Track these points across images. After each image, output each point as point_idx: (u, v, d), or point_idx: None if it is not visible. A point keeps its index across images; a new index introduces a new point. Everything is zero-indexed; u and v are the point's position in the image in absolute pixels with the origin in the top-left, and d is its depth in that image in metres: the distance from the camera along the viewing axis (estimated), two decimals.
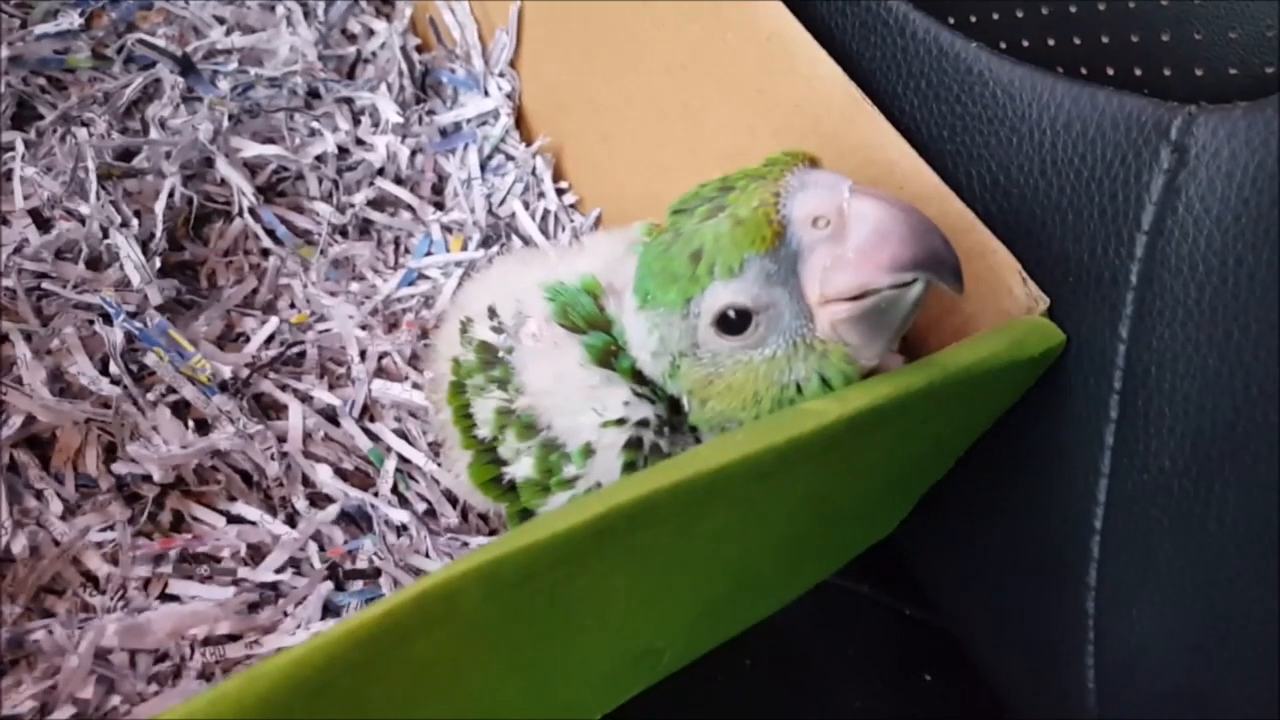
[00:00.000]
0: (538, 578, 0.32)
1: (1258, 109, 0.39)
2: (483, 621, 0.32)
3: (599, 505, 0.32)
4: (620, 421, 0.45)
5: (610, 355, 0.46)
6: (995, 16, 0.48)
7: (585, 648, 0.39)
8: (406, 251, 0.68)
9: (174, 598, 0.49)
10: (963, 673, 0.65)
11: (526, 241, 0.68)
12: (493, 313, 0.50)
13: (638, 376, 0.45)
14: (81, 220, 0.58)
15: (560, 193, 0.70)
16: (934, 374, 0.40)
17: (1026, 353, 0.44)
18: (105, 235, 0.57)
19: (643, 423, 0.45)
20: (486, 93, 0.72)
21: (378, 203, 0.68)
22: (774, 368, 0.41)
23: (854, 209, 0.38)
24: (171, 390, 0.54)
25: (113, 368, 0.53)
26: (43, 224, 0.58)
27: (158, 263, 0.58)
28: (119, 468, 0.51)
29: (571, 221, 0.69)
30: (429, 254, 0.67)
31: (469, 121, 0.71)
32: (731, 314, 0.40)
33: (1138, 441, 0.43)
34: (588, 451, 0.45)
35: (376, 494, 0.56)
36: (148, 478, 0.52)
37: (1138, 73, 0.43)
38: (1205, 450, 0.40)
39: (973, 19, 0.49)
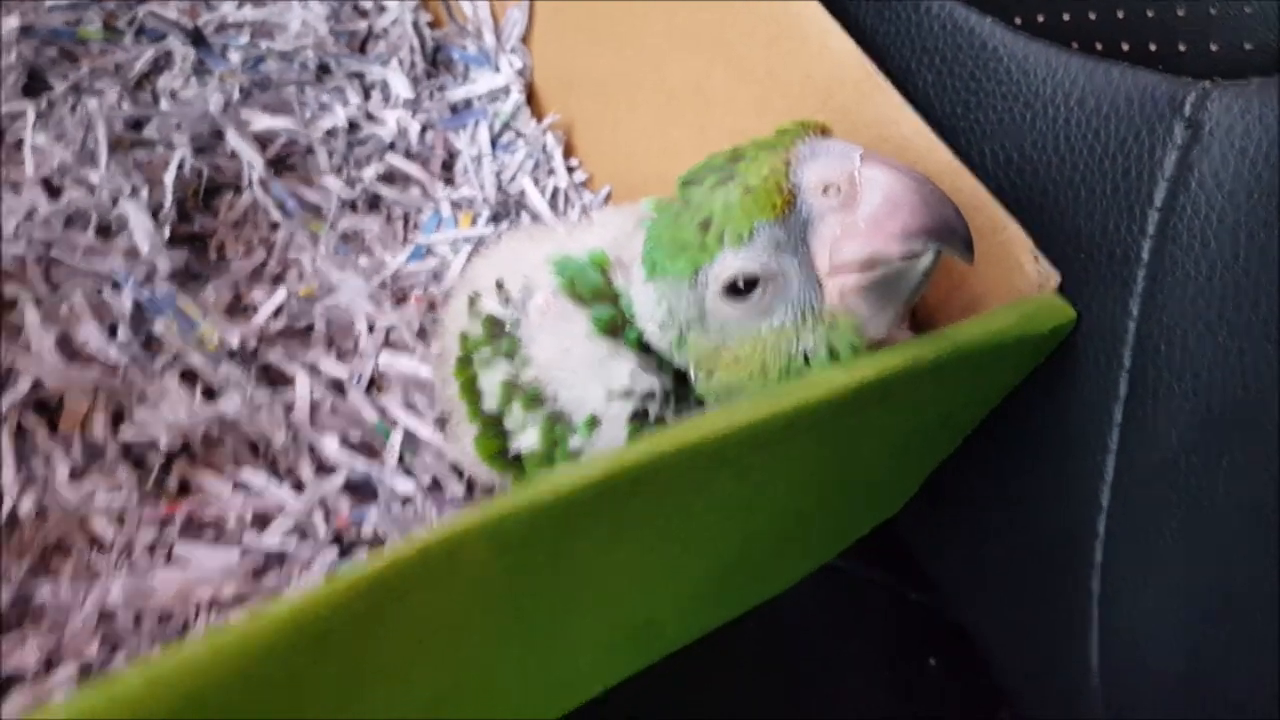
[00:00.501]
0: (540, 538, 0.32)
1: (1272, 84, 0.39)
2: (484, 580, 0.32)
3: (603, 466, 0.32)
4: (626, 393, 0.45)
5: (617, 327, 0.46)
6: None
7: (586, 615, 0.39)
8: (415, 227, 0.68)
9: (180, 561, 0.49)
10: (966, 659, 0.65)
11: (536, 218, 0.68)
12: (500, 286, 0.50)
13: (644, 348, 0.45)
14: (91, 189, 0.58)
15: (570, 170, 0.70)
16: (942, 347, 0.40)
17: (1036, 329, 0.43)
18: (115, 204, 0.58)
19: (649, 394, 0.45)
20: (498, 69, 0.72)
21: (387, 178, 0.68)
22: (782, 338, 0.41)
23: (865, 177, 0.38)
24: (179, 358, 0.54)
25: (121, 334, 0.53)
26: (53, 193, 0.58)
27: (167, 232, 0.58)
28: (126, 433, 0.51)
29: (581, 199, 0.69)
30: (438, 230, 0.67)
31: (480, 98, 0.71)
32: (740, 283, 0.40)
33: (1146, 418, 0.43)
34: (593, 423, 0.45)
35: (383, 465, 0.56)
36: (154, 444, 0.52)
37: (1153, 48, 0.42)
38: (1213, 426, 0.40)
39: None
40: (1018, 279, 0.46)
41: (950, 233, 0.38)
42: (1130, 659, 0.46)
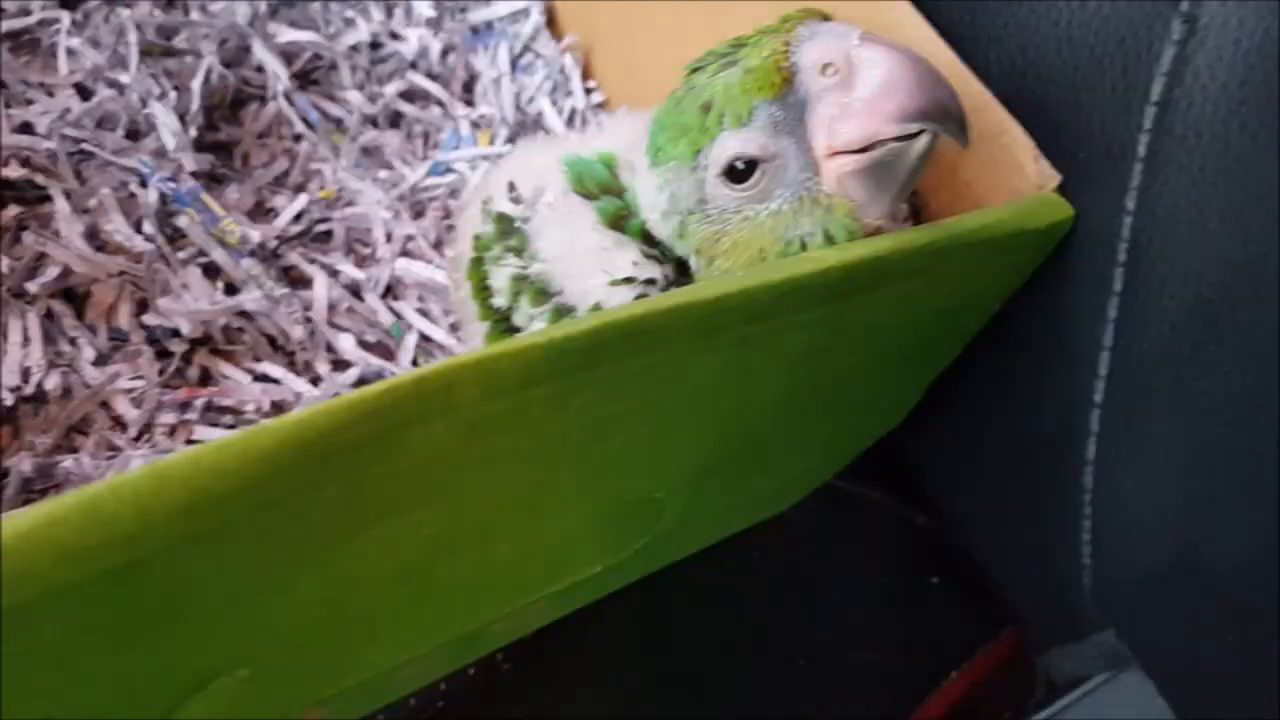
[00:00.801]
0: (534, 386, 0.34)
1: None
2: (480, 422, 0.33)
3: (597, 321, 0.34)
4: (628, 280, 0.46)
5: (621, 219, 0.47)
6: None
7: (581, 477, 0.40)
8: (435, 145, 0.69)
9: (198, 443, 0.51)
10: (969, 579, 0.66)
11: None
12: (512, 187, 0.52)
13: (647, 238, 0.47)
14: (121, 90, 0.60)
15: (588, 92, 0.71)
16: (937, 234, 0.41)
17: (1033, 224, 0.44)
18: (144, 105, 0.59)
19: (650, 282, 0.46)
20: None
21: (408, 95, 0.70)
22: (779, 223, 0.42)
23: (863, 56, 0.39)
24: (202, 253, 0.56)
25: (146, 227, 0.55)
26: (85, 95, 0.60)
27: (193, 134, 0.60)
28: (150, 320, 0.53)
29: (597, 120, 0.70)
30: (457, 148, 0.68)
31: (500, 19, 0.73)
32: (739, 164, 0.41)
33: (1139, 311, 0.44)
34: (597, 310, 0.47)
35: (397, 365, 0.57)
36: (177, 333, 0.54)
37: None
38: (1203, 312, 0.41)
39: None
40: (1019, 181, 0.47)
41: (945, 114, 0.39)
42: (1121, 552, 0.47)
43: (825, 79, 0.39)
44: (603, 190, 0.48)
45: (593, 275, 0.47)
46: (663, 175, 0.44)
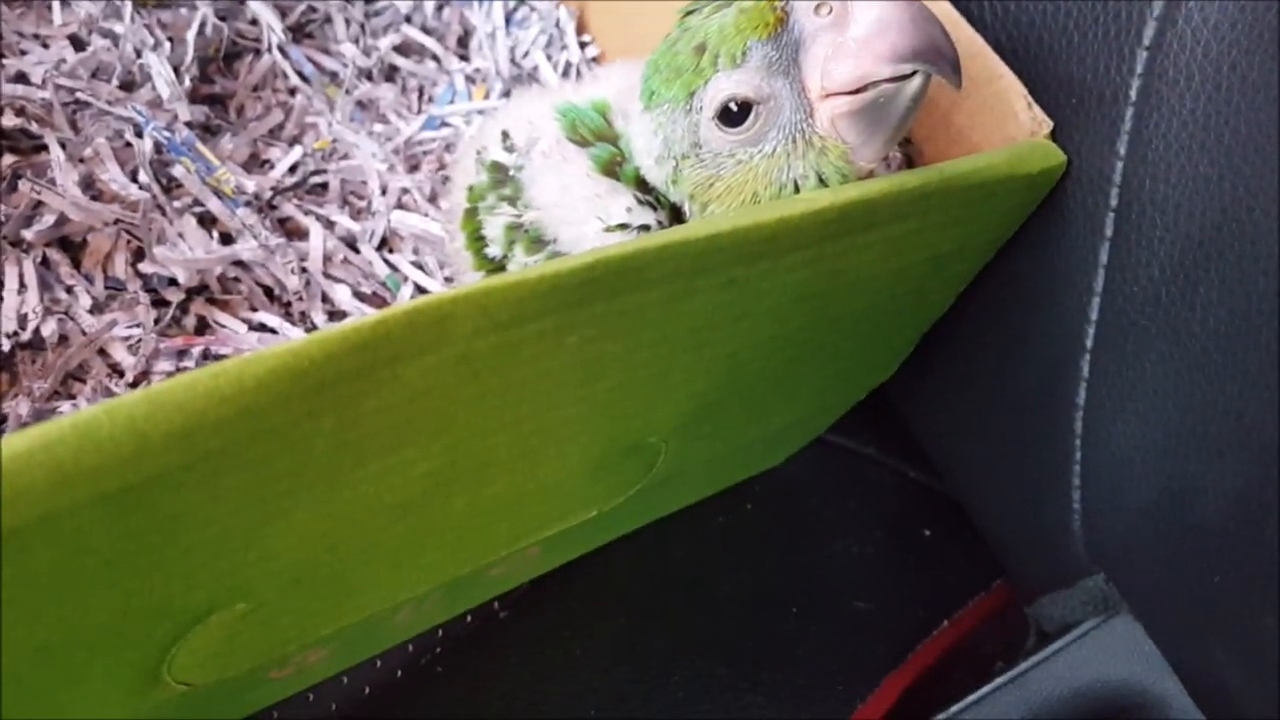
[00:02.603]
0: (527, 322, 0.34)
1: None
2: (473, 357, 0.34)
3: (589, 258, 0.34)
4: (623, 227, 0.46)
5: (615, 165, 0.47)
6: None
7: (575, 418, 0.41)
8: (430, 99, 0.69)
9: None
10: (961, 532, 0.66)
11: None
12: (506, 136, 0.52)
13: (641, 184, 0.47)
14: (116, 40, 0.59)
15: (583, 46, 0.71)
16: (929, 177, 0.41)
17: (1025, 169, 0.44)
18: (139, 56, 0.59)
19: (644, 228, 0.46)
20: None
21: (403, 49, 0.70)
22: (773, 165, 0.42)
23: None
24: (198, 203, 0.56)
25: (142, 176, 0.55)
26: (79, 46, 0.60)
27: (188, 84, 0.60)
28: (146, 268, 0.53)
29: (592, 73, 0.70)
30: (452, 102, 0.68)
31: None
32: (733, 106, 0.41)
33: (1129, 255, 0.44)
34: None
35: None
36: (173, 282, 0.54)
37: None
38: (1193, 254, 0.41)
39: None
40: (1012, 127, 0.47)
41: (937, 54, 0.39)
42: (1110, 496, 0.48)
43: (819, 18, 0.39)
44: (596, 137, 0.48)
45: (587, 222, 0.47)
46: (656, 119, 0.44)
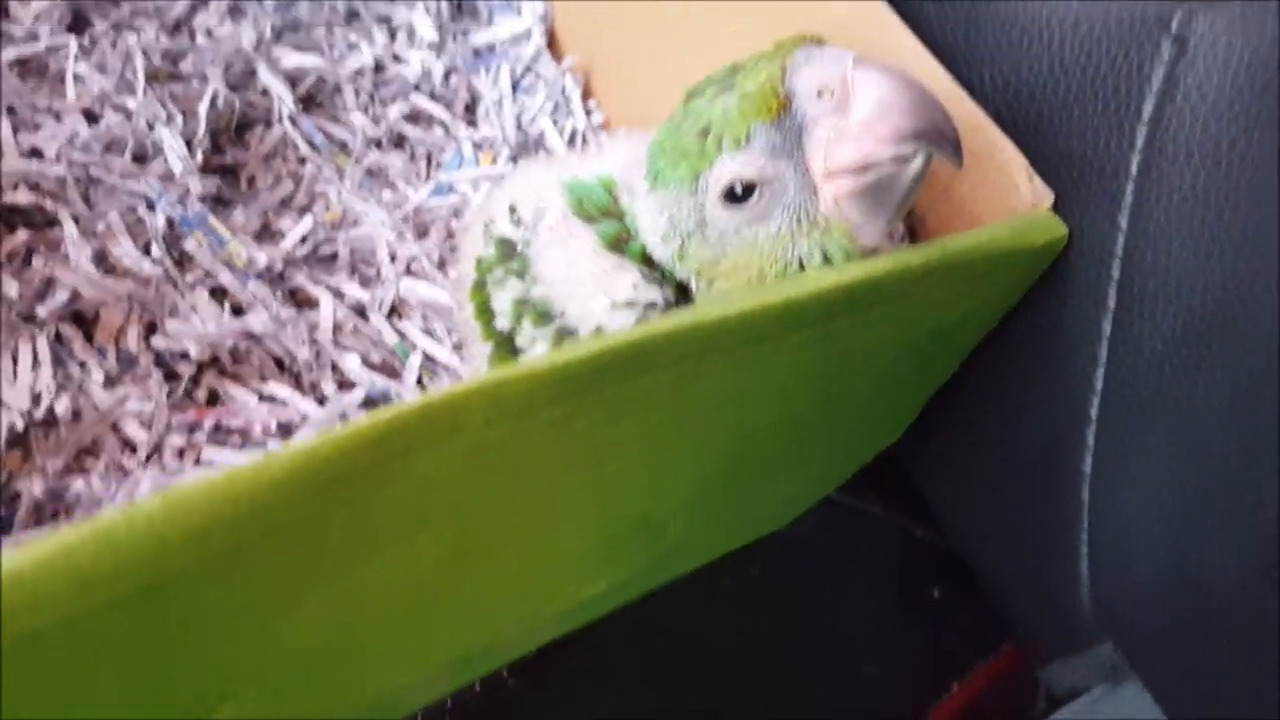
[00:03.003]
0: (537, 410, 0.34)
1: (1254, 2, 0.40)
2: (484, 447, 0.34)
3: (599, 345, 0.34)
4: (629, 304, 0.47)
5: (622, 242, 0.48)
6: None
7: (584, 499, 0.41)
8: (438, 165, 0.70)
9: (207, 465, 0.52)
10: (970, 591, 0.66)
11: None
12: (513, 210, 0.52)
13: (648, 261, 0.47)
14: (128, 115, 0.60)
15: (588, 112, 0.72)
16: (933, 254, 0.41)
17: (1028, 242, 0.45)
18: (151, 130, 0.60)
19: (651, 305, 0.47)
20: (520, 13, 0.74)
21: (412, 117, 0.71)
22: (778, 244, 0.43)
23: (858, 80, 0.39)
24: (209, 275, 0.57)
25: (154, 250, 0.56)
26: (93, 120, 0.61)
27: (200, 159, 0.61)
28: (158, 342, 0.54)
29: (598, 140, 0.70)
30: (459, 168, 0.69)
31: (502, 42, 0.73)
32: (738, 188, 0.42)
33: (1133, 327, 0.44)
34: (598, 334, 0.47)
35: (401, 384, 0.58)
36: (185, 355, 0.54)
37: None
38: (1196, 329, 0.42)
39: None
40: (1014, 199, 0.48)
41: (939, 135, 0.39)
42: (1117, 565, 0.48)
43: (821, 103, 0.40)
44: (603, 213, 0.48)
45: (594, 298, 0.48)
46: (662, 199, 0.44)
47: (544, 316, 0.49)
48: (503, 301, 0.51)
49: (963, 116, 0.48)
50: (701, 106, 0.43)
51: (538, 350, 0.50)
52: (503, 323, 0.52)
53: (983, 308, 0.49)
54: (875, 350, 0.46)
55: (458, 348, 0.61)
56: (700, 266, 0.45)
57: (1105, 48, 0.44)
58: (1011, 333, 0.50)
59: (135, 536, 0.27)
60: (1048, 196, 0.46)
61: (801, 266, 0.43)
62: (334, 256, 0.63)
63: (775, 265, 0.43)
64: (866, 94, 0.39)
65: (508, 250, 0.51)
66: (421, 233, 0.66)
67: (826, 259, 0.42)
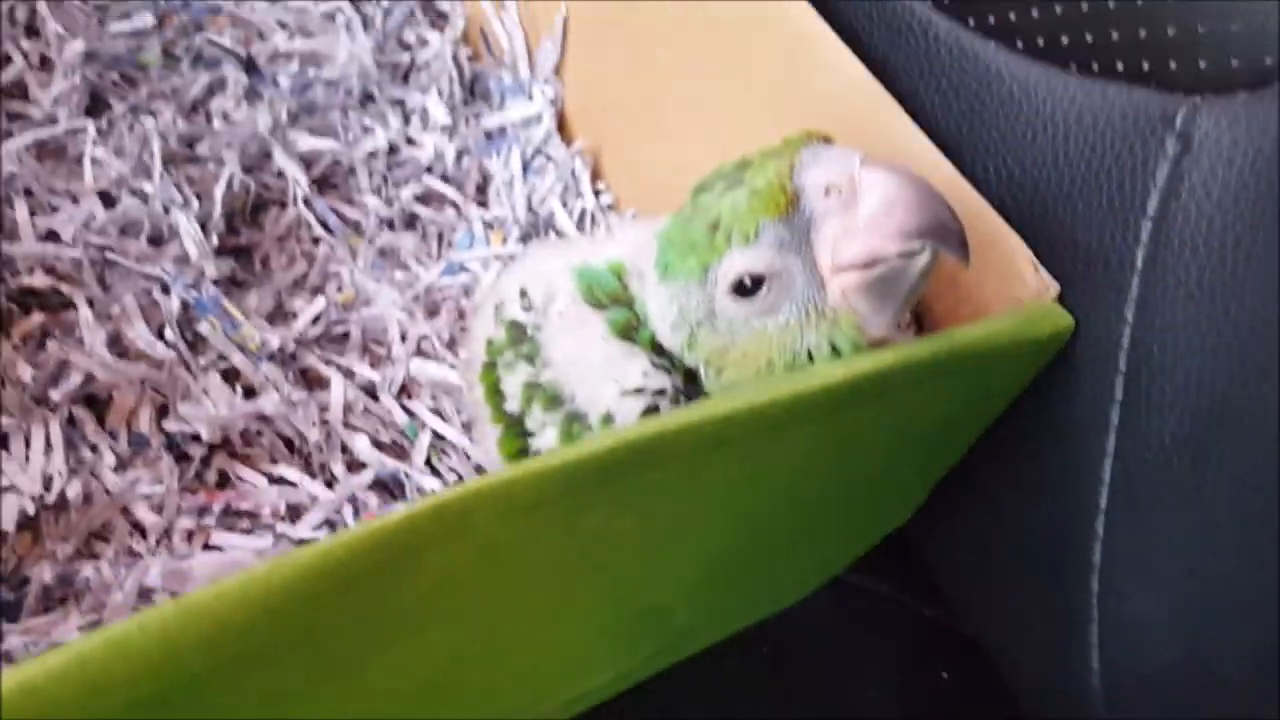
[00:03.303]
0: (548, 506, 0.34)
1: (1258, 98, 0.41)
2: (495, 543, 0.34)
3: (609, 440, 0.35)
4: (639, 391, 0.47)
5: (631, 329, 0.48)
6: (1012, 17, 0.50)
7: (593, 589, 0.41)
8: (449, 245, 0.71)
9: (216, 548, 0.52)
10: (980, 674, 0.66)
11: (563, 238, 0.71)
12: (524, 294, 0.53)
13: (657, 349, 0.48)
14: (145, 199, 0.61)
15: (597, 193, 0.73)
16: (940, 346, 0.42)
17: (1034, 334, 0.45)
18: (167, 213, 0.61)
19: (660, 392, 0.47)
20: (531, 98, 0.75)
21: (424, 198, 0.72)
22: (787, 335, 0.43)
23: (864, 179, 0.40)
24: (222, 358, 0.57)
25: (168, 333, 0.56)
26: (109, 203, 0.62)
27: (215, 242, 0.61)
28: (170, 425, 0.54)
29: (607, 221, 0.71)
30: (470, 248, 0.70)
31: (513, 125, 0.75)
32: (747, 281, 0.42)
33: (1140, 420, 0.44)
34: (607, 420, 0.48)
35: (411, 465, 0.58)
36: (196, 437, 0.55)
37: (1145, 66, 0.45)
38: (1203, 424, 0.42)
39: (991, 20, 0.51)
40: (1019, 289, 0.48)
41: (945, 232, 0.40)
42: (1130, 657, 0.47)
43: (829, 200, 0.41)
44: (612, 300, 0.49)
45: (603, 384, 0.48)
46: (672, 289, 0.45)
47: (554, 401, 0.50)
48: (513, 385, 0.52)
49: (966, 206, 0.49)
50: (710, 201, 0.43)
51: (547, 434, 0.50)
52: (513, 406, 0.52)
53: (990, 397, 0.49)
54: (883, 438, 0.46)
55: (467, 427, 0.62)
56: (709, 355, 0.45)
57: (1109, 142, 0.45)
58: (1020, 420, 0.50)
59: (149, 644, 0.27)
60: (1053, 287, 0.47)
61: (810, 357, 0.43)
62: (345, 336, 0.63)
63: (784, 355, 0.43)
64: (873, 192, 0.40)
65: (518, 334, 0.52)
66: (432, 312, 0.67)
67: (835, 350, 0.43)
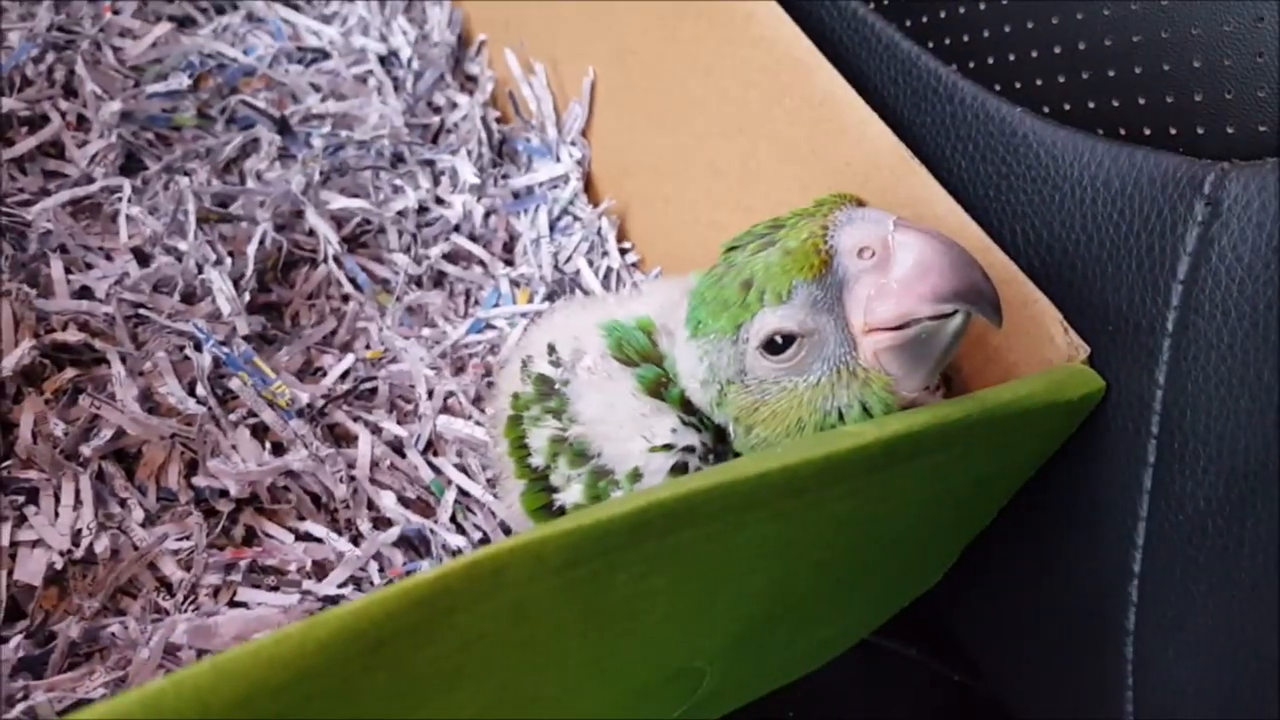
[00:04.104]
0: (579, 565, 0.34)
1: None
2: (526, 602, 0.34)
3: (641, 500, 0.34)
4: (667, 447, 0.47)
5: (661, 386, 0.48)
6: (1039, 82, 0.50)
7: (623, 650, 0.41)
8: (476, 303, 0.71)
9: (242, 605, 0.52)
10: None
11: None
12: (552, 349, 0.53)
13: (686, 405, 0.48)
14: (179, 257, 0.62)
15: (623, 252, 0.73)
16: (971, 408, 0.42)
17: (1065, 396, 0.45)
18: (200, 271, 0.62)
19: (689, 449, 0.47)
20: (558, 159, 0.76)
21: (452, 256, 0.73)
22: (817, 394, 0.43)
23: (898, 241, 0.40)
24: (252, 414, 0.58)
25: (199, 390, 0.57)
26: (143, 260, 0.63)
27: (247, 299, 0.62)
28: (199, 481, 0.54)
29: (632, 279, 0.72)
30: (497, 305, 0.70)
31: (540, 185, 0.76)
32: (779, 339, 0.42)
33: (1173, 484, 0.44)
34: (635, 476, 0.48)
35: (436, 521, 0.58)
36: (224, 493, 0.55)
37: (1173, 131, 0.45)
38: (1238, 488, 0.41)
39: (1018, 85, 0.51)
40: (1048, 351, 0.48)
41: (978, 295, 0.40)
42: None
43: (862, 261, 0.41)
44: (642, 357, 0.49)
45: (632, 440, 0.48)
46: (702, 346, 0.45)
47: (580, 456, 0.50)
48: (539, 439, 0.52)
49: (995, 269, 0.49)
50: (742, 259, 0.44)
51: (573, 489, 0.50)
52: (537, 460, 0.52)
53: (1020, 459, 0.49)
54: (914, 500, 0.46)
55: (492, 483, 0.62)
56: (739, 413, 0.45)
57: (1138, 206, 0.45)
58: (1051, 482, 0.50)
59: (182, 705, 0.27)
60: (1083, 350, 0.47)
61: (841, 416, 0.43)
62: (373, 392, 0.64)
63: (815, 415, 0.43)
64: (907, 254, 0.40)
65: (545, 388, 0.52)
66: (458, 369, 0.67)
67: (866, 410, 0.43)
